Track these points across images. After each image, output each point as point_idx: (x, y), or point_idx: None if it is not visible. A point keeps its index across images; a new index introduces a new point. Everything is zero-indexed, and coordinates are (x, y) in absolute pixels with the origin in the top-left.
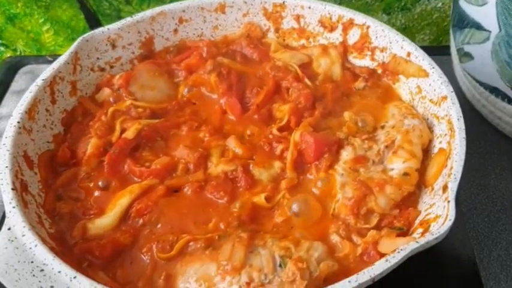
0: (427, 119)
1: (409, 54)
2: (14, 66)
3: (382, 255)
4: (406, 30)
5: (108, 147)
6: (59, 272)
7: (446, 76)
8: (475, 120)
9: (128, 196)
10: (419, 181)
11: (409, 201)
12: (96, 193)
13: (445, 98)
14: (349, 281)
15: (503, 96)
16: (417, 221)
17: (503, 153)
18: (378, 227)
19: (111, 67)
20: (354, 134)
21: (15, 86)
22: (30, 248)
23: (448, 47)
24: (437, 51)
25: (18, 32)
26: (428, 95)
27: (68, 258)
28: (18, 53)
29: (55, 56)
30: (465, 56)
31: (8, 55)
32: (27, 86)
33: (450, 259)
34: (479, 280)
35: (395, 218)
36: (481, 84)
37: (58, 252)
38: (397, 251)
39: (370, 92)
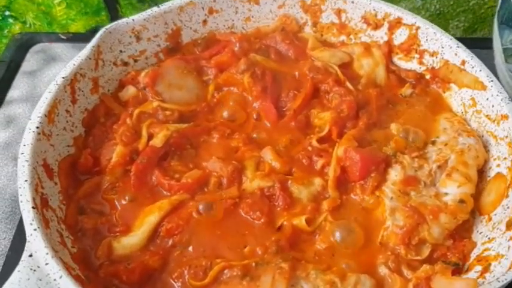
0: (482, 136)
1: (464, 62)
2: (25, 44)
3: None
4: (440, 16)
5: (135, 156)
6: None
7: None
8: None
9: (157, 213)
10: (474, 207)
11: (463, 229)
12: (122, 207)
13: (505, 117)
14: None
15: None
16: (473, 255)
17: None
18: (429, 259)
19: (135, 61)
20: (402, 150)
21: (26, 66)
22: (55, 280)
23: (485, 40)
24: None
25: (28, 4)
26: (484, 110)
27: (93, 283)
28: (27, 26)
29: (68, 34)
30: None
31: (17, 28)
32: (39, 67)
33: None
34: None
35: (448, 249)
36: None
37: (83, 280)
38: None
39: (418, 100)
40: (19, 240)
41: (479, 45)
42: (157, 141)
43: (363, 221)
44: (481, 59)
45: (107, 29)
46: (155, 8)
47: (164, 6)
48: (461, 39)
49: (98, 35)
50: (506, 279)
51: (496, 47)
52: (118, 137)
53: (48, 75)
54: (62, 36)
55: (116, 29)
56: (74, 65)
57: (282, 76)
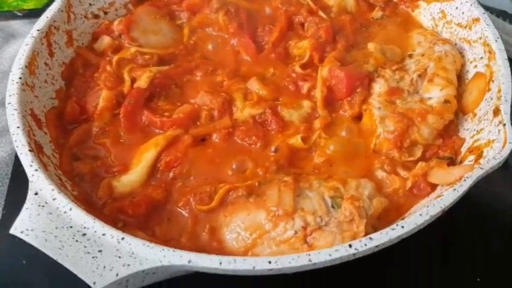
0: (455, 44)
1: None
2: None
3: (432, 186)
4: None
5: (121, 99)
6: (103, 234)
7: None
8: None
9: (153, 149)
10: (456, 108)
11: (449, 129)
12: (116, 149)
13: (477, 20)
14: (420, 214)
15: (510, 19)
16: (463, 149)
17: None
18: (422, 159)
19: (105, 13)
20: (382, 66)
21: None
22: (65, 212)
23: None
24: None
25: None
26: (454, 19)
27: (100, 219)
28: None
29: (23, 11)
30: None
31: None
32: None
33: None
34: None
35: (439, 147)
36: (487, 8)
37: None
38: (463, 179)
39: (389, 21)
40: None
41: None
42: (142, 82)
43: (354, 134)
44: None
45: None
46: None
47: None
48: None
49: None
50: (502, 156)
51: None
52: (101, 82)
53: (10, 52)
54: (18, 13)
55: None
56: (47, 17)
57: (256, 12)
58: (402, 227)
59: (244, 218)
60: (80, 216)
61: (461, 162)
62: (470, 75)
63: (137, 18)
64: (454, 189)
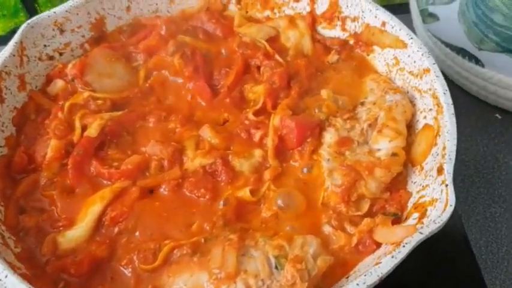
0: (407, 92)
1: (384, 23)
2: None
3: (378, 244)
4: None
5: (70, 148)
6: None
7: None
8: None
9: (99, 203)
10: (406, 159)
11: (397, 181)
12: (63, 202)
13: (427, 70)
14: (357, 284)
15: (470, 57)
16: (410, 204)
17: (471, 114)
18: (369, 213)
19: (61, 54)
20: (334, 114)
21: None
22: (0, 280)
23: (401, 5)
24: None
25: None
26: (407, 66)
27: (41, 280)
28: None
29: None
30: (430, 16)
31: None
32: None
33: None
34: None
35: (386, 201)
36: (447, 45)
37: (30, 277)
38: (402, 245)
39: (344, 65)
40: None
41: (396, 11)
42: (92, 131)
43: (303, 186)
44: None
45: (28, 23)
46: None
47: None
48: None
49: (19, 31)
50: (442, 220)
51: (413, 9)
52: (51, 131)
53: None
54: None
55: (38, 23)
56: None
57: (212, 55)
58: None
59: (187, 280)
60: (14, 284)
61: (406, 218)
62: (420, 126)
63: (92, 61)
64: (392, 256)
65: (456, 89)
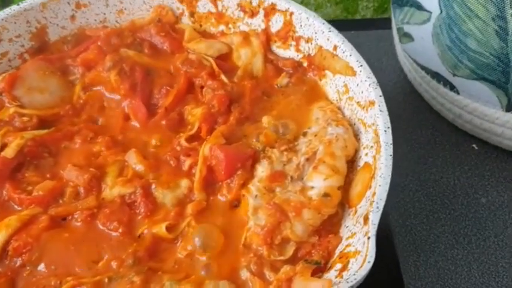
0: (354, 124)
1: (335, 47)
2: None
3: None
4: None
5: None
6: None
7: (385, 54)
8: (416, 105)
9: (4, 231)
10: (343, 199)
11: (331, 223)
12: None
13: (372, 103)
14: None
15: (445, 82)
16: (337, 251)
17: (446, 142)
18: (294, 258)
19: None
20: (272, 144)
21: None
22: None
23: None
24: (382, 24)
25: None
26: (356, 96)
27: None
28: None
29: None
30: (405, 36)
31: None
32: None
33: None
34: None
35: (313, 246)
36: (422, 68)
37: None
38: None
39: (294, 90)
40: None
41: (385, 25)
42: (10, 151)
43: (227, 223)
44: (384, 40)
45: None
46: (14, 6)
47: (24, 4)
48: (372, 20)
49: None
50: (355, 279)
51: (393, 26)
52: None
53: None
54: None
55: None
56: None
57: (156, 72)
58: None
59: None
60: None
61: (330, 268)
62: (361, 163)
63: (24, 74)
64: None
65: (434, 115)
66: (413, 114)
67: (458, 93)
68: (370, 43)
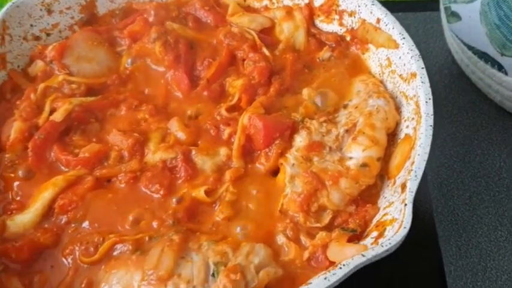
0: (396, 97)
1: (378, 20)
2: None
3: (331, 261)
4: None
5: (35, 131)
6: None
7: (433, 36)
8: (463, 87)
9: (51, 189)
10: (383, 171)
11: (369, 194)
12: (19, 185)
13: (414, 75)
14: None
15: (492, 62)
16: (374, 221)
17: (493, 125)
18: (330, 226)
19: (48, 35)
20: (311, 116)
21: None
22: None
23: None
24: (430, 5)
25: None
26: (398, 69)
27: None
28: None
29: None
30: (452, 15)
31: None
32: None
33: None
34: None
35: (350, 215)
36: (470, 48)
37: None
38: (338, 266)
39: (336, 64)
40: None
41: (430, 6)
42: (58, 115)
43: (264, 190)
44: (430, 22)
45: (14, 2)
46: None
47: None
48: (420, 2)
49: (3, 10)
50: (390, 243)
51: (440, 6)
52: (17, 112)
53: None
54: None
55: (24, 3)
56: None
57: (199, 44)
58: None
59: (121, 277)
60: None
61: (366, 236)
62: (402, 136)
63: (73, 43)
64: (325, 278)
65: (481, 97)
66: (459, 96)
67: (506, 73)
68: (418, 25)
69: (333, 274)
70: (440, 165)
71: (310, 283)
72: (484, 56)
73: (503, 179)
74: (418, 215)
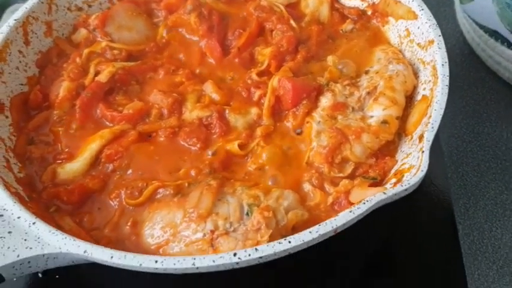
0: (414, 64)
1: None
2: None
3: (352, 205)
4: None
5: (81, 91)
6: (18, 217)
7: (445, 18)
8: (474, 65)
9: (98, 141)
10: (400, 129)
11: (388, 150)
12: (68, 137)
13: (431, 42)
14: (310, 232)
15: (502, 40)
16: (393, 171)
17: (501, 100)
18: (352, 176)
19: (90, 6)
20: (335, 80)
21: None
22: None
23: None
24: None
25: None
26: (416, 38)
27: (35, 203)
28: None
29: None
30: None
31: None
32: None
33: (428, 209)
34: (455, 232)
35: (370, 167)
36: (481, 27)
37: (23, 197)
38: (362, 201)
39: (358, 35)
40: None
41: None
42: (103, 76)
43: (292, 145)
44: (442, 4)
45: None
46: None
47: None
48: None
49: None
50: (409, 184)
51: None
52: (66, 73)
53: None
54: None
55: None
56: (26, 8)
57: (230, 17)
58: (289, 242)
59: (164, 216)
60: (2, 198)
61: (385, 183)
62: (419, 98)
63: (114, 13)
64: (351, 211)
65: (490, 74)
66: (470, 73)
67: None
68: (431, 7)
69: (358, 208)
70: (451, 136)
71: (337, 216)
72: (494, 34)
73: (510, 149)
74: (433, 182)
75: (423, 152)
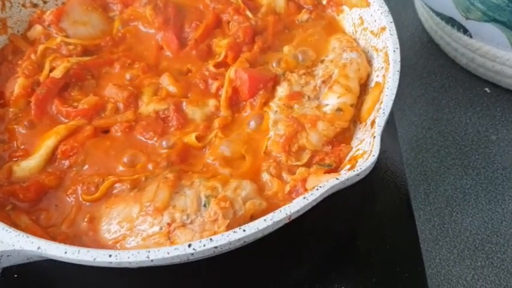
0: (368, 51)
1: None
2: None
3: None
4: None
5: (36, 87)
6: None
7: (404, 7)
8: (432, 53)
9: (53, 137)
10: (356, 117)
11: (344, 137)
12: (23, 135)
13: (383, 28)
14: (264, 219)
15: (458, 26)
16: (348, 157)
17: (459, 87)
18: (309, 164)
19: (45, 2)
20: (292, 70)
21: None
22: None
23: None
24: None
25: None
26: (369, 26)
27: None
28: None
29: None
30: None
31: None
32: None
33: (385, 195)
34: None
35: (327, 154)
36: (438, 14)
37: None
38: (315, 188)
39: (313, 24)
40: None
41: None
42: (57, 72)
43: (249, 136)
44: None
45: None
46: None
47: None
48: None
49: None
50: (361, 169)
51: None
52: (21, 70)
53: None
54: None
55: None
56: None
57: (187, 9)
58: (244, 230)
59: (121, 211)
60: None
61: (340, 170)
62: (373, 85)
63: (69, 8)
64: (304, 198)
65: (448, 62)
66: (428, 61)
67: (471, 36)
68: None
69: (311, 194)
70: (411, 123)
71: (291, 202)
72: (450, 21)
73: (469, 134)
74: (389, 168)
75: (374, 137)
